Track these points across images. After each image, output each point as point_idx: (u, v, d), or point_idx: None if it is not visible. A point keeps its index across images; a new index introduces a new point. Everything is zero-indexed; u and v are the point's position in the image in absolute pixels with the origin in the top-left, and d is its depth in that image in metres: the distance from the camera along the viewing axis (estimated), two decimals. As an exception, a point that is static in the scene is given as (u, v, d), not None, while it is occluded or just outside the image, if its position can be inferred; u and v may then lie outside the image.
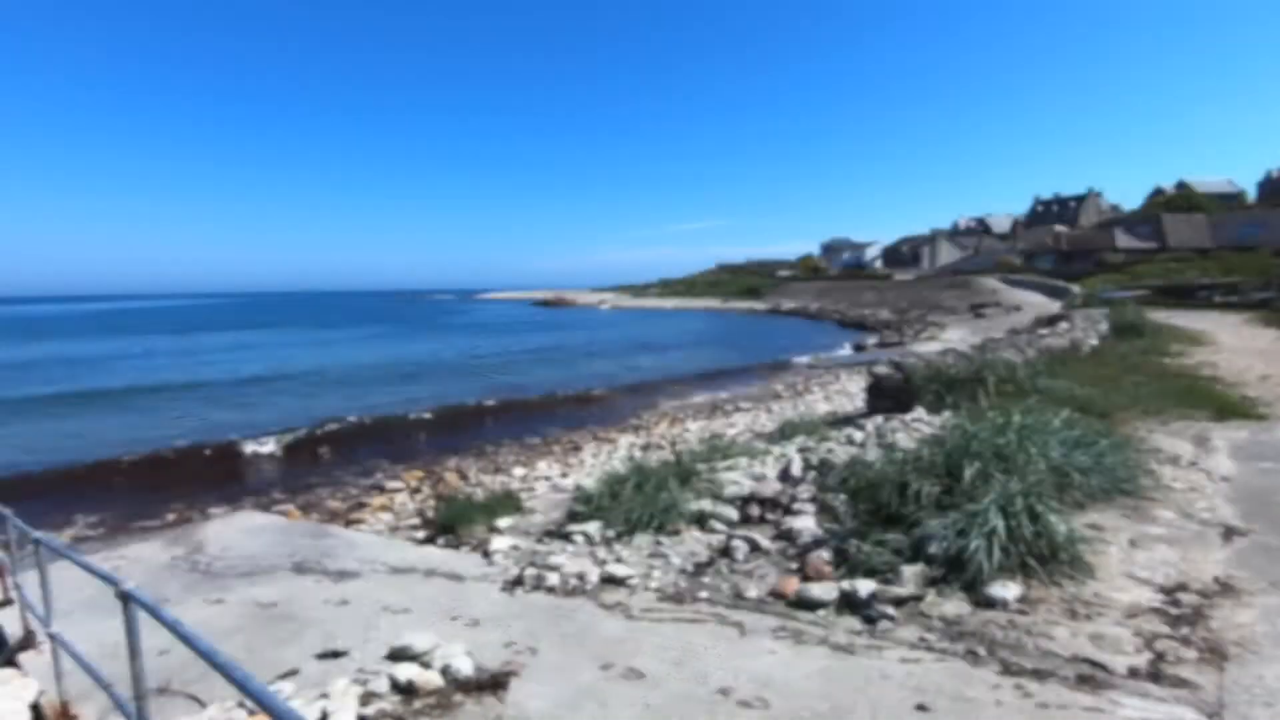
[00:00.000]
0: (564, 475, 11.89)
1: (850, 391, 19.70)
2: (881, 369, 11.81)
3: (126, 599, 2.29)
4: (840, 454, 6.91)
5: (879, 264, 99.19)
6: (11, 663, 4.74)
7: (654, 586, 4.93)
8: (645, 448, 13.28)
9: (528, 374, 27.46)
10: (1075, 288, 40.82)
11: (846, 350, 33.29)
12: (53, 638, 3.77)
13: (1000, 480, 4.78)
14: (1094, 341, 15.83)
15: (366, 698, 3.53)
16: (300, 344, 45.33)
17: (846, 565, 4.67)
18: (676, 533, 5.88)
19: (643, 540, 5.78)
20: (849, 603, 4.28)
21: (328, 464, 13.89)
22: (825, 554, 4.85)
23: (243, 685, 1.53)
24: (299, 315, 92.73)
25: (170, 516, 10.53)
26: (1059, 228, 73.69)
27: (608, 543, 5.82)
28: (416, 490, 11.59)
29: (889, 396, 11.26)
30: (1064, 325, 18.71)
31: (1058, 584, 4.24)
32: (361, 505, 10.69)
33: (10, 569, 5.15)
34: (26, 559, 5.46)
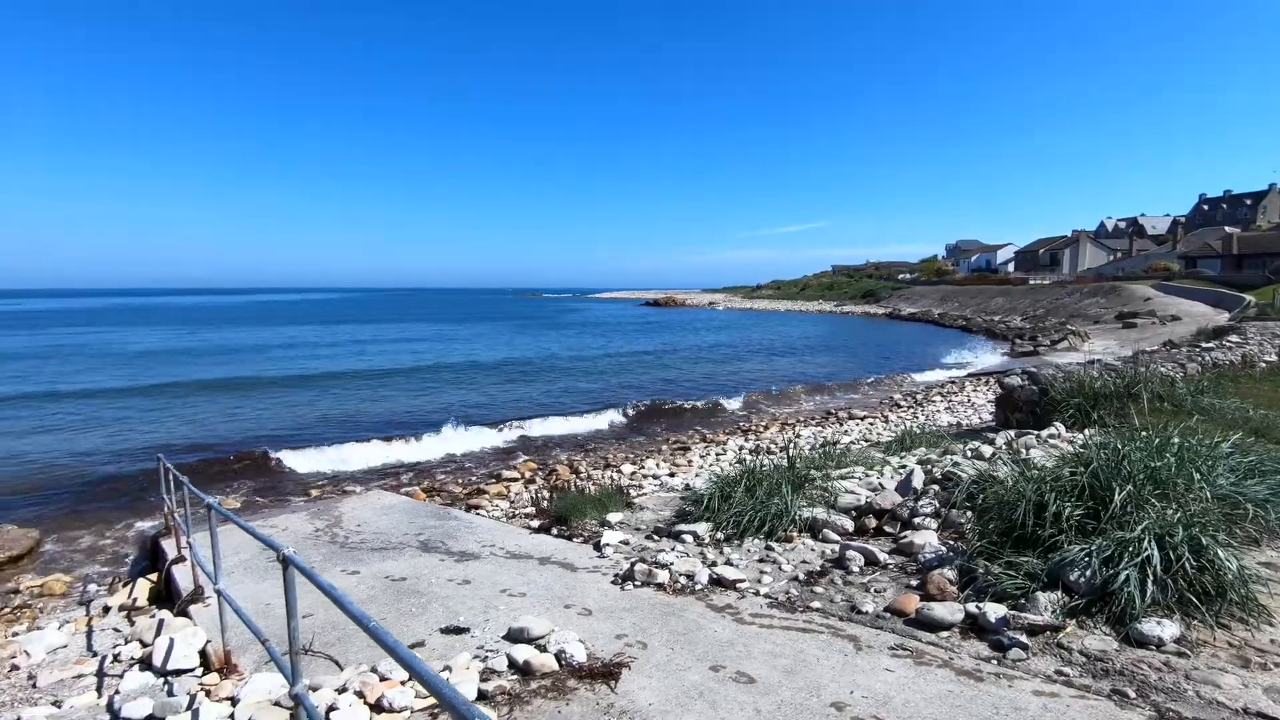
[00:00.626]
0: (672, 475, 11.96)
1: (975, 403, 18.55)
2: (1013, 380, 11.04)
3: (287, 563, 2.52)
4: (966, 468, 6.51)
5: (1011, 268, 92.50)
6: (184, 613, 5.36)
7: (764, 592, 4.86)
8: (755, 451, 13.10)
9: (639, 375, 27.85)
10: (1248, 296, 36.23)
11: (973, 358, 31.29)
12: (219, 594, 4.22)
13: (1156, 507, 4.33)
14: (1271, 357, 14.00)
15: (486, 674, 3.71)
16: (428, 339, 48.27)
17: (972, 587, 4.39)
18: (788, 539, 5.76)
19: (753, 544, 5.72)
20: (976, 627, 4.02)
21: (449, 451, 14.67)
22: (949, 572, 4.59)
23: (393, 650, 1.65)
24: (426, 312, 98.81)
25: (314, 492, 11.53)
26: (1230, 229, 65.73)
27: (717, 544, 5.80)
28: (530, 480, 12.03)
29: (1021, 410, 10.50)
30: (1234, 338, 16.65)
31: (1225, 626, 3.78)
32: (480, 491, 11.24)
33: (185, 530, 5.83)
34: (198, 522, 6.15)
